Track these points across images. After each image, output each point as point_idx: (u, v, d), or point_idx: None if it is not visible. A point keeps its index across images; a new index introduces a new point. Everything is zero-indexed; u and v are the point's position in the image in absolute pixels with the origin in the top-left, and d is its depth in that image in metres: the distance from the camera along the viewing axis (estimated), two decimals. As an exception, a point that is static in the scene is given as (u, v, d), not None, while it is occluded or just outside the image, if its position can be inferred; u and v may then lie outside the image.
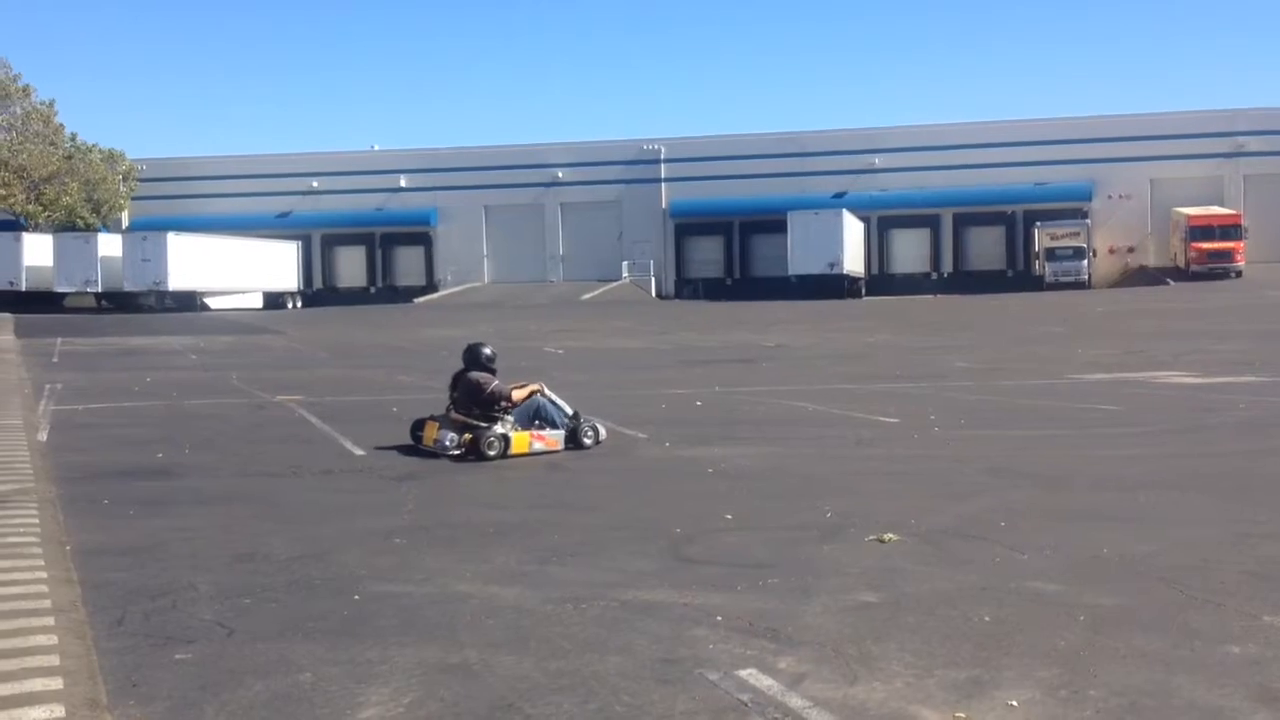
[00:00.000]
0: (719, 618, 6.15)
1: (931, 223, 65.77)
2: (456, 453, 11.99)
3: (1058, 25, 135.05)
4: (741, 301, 55.00)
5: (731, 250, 67.98)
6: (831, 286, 55.31)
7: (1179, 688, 5.04)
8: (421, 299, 63.31)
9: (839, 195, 64.06)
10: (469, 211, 68.96)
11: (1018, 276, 62.59)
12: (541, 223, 69.20)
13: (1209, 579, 6.81)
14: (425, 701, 4.97)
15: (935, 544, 7.89)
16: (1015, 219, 64.58)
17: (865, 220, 63.09)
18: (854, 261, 59.45)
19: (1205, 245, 55.94)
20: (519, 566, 7.38)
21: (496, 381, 12.62)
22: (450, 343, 33.44)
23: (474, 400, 12.42)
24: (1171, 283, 55.30)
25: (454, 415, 12.43)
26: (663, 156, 67.86)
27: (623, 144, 68.95)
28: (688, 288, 65.96)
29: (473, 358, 12.79)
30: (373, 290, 69.55)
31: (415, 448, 12.38)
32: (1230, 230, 56.16)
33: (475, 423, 12.22)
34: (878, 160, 65.16)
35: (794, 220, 57.44)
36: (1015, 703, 4.87)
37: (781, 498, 9.81)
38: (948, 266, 65.81)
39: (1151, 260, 62.26)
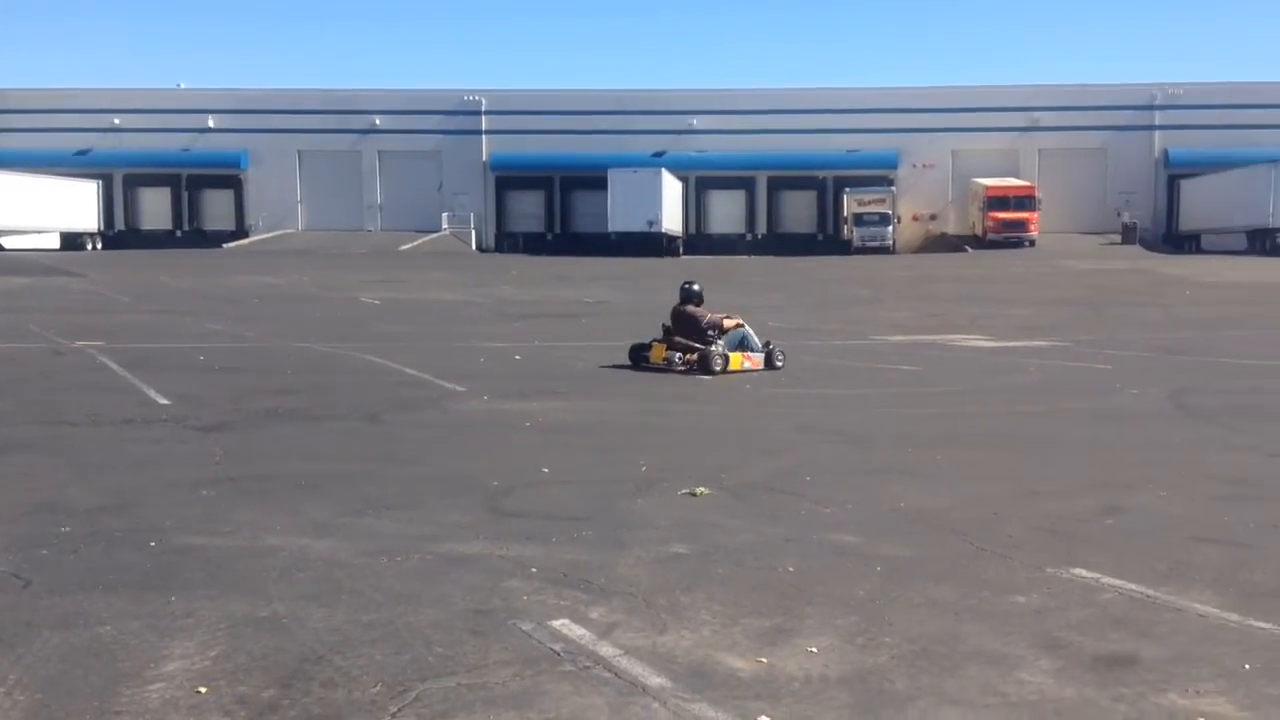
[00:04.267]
0: (533, 569, 6.22)
1: (747, 185, 66.88)
2: (683, 369, 15.02)
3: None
4: (562, 257, 54.96)
5: (553, 205, 67.77)
6: (651, 244, 55.80)
7: (968, 635, 5.33)
8: (231, 244, 61.12)
9: (658, 154, 64.51)
10: (282, 156, 66.77)
11: (827, 240, 64.30)
12: (359, 170, 67.59)
13: (998, 532, 7.20)
14: (232, 655, 4.90)
15: (745, 498, 8.13)
16: (826, 184, 66.23)
17: (684, 180, 63.77)
18: (672, 220, 60.09)
19: (1001, 215, 58.43)
20: (332, 519, 7.29)
21: (710, 314, 15.51)
22: (261, 289, 32.52)
23: (691, 328, 15.34)
24: (970, 250, 57.58)
25: (677, 340, 15.29)
26: (484, 109, 67.02)
27: (443, 93, 67.77)
28: (508, 241, 65.52)
29: (686, 295, 15.71)
30: (179, 234, 66.80)
31: (233, 406, 12.06)
32: (1025, 201, 58.77)
33: (694, 344, 15.10)
34: (696, 121, 65.81)
35: (614, 178, 57.67)
36: (815, 649, 5.09)
37: (598, 452, 9.93)
38: (762, 228, 67.11)
39: (952, 228, 64.71)
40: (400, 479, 8.63)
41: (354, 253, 53.33)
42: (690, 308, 15.55)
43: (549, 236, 66.29)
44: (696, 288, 15.82)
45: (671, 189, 60.21)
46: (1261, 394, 13.64)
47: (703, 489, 8.23)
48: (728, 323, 15.64)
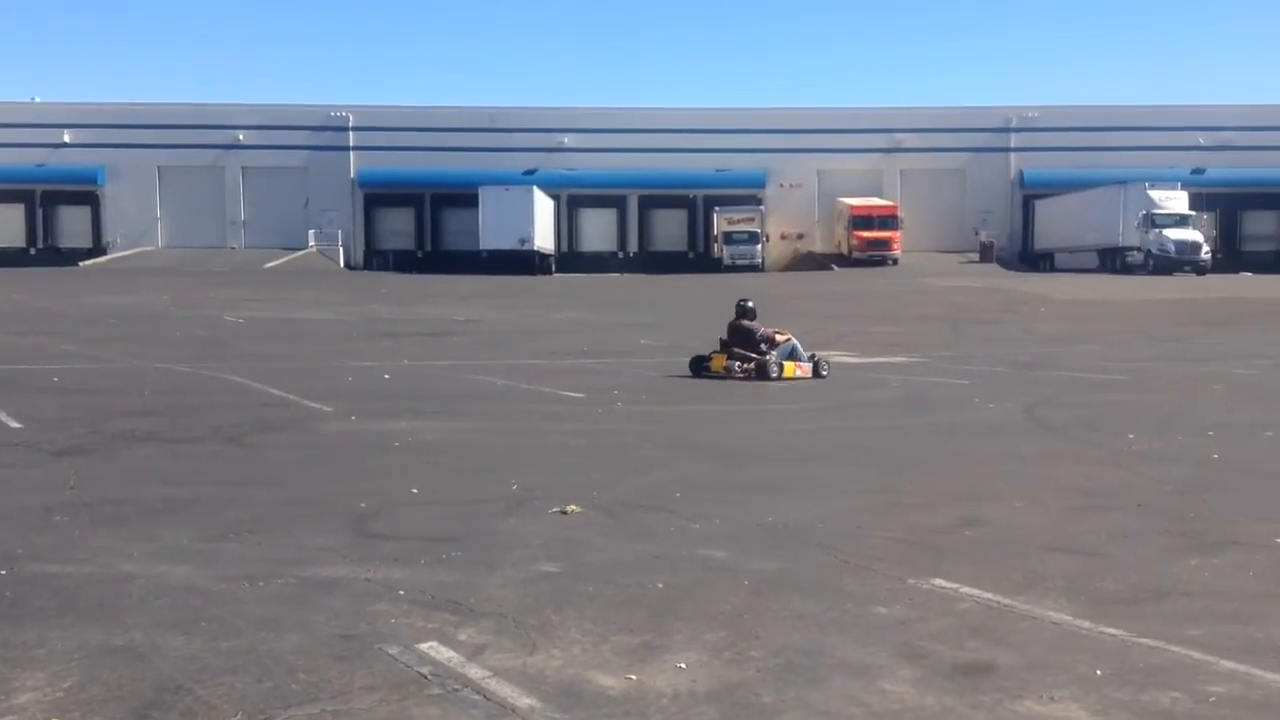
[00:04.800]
0: (401, 592, 6.15)
1: (619, 203, 67.26)
2: (742, 376, 16.49)
3: (736, 19, 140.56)
4: (432, 275, 54.50)
5: (423, 222, 67.17)
6: (522, 262, 55.71)
7: (832, 647, 5.43)
8: (88, 262, 59.24)
9: (530, 172, 64.49)
10: (141, 171, 64.95)
11: (699, 258, 65.01)
12: (221, 186, 66.12)
13: (861, 545, 7.34)
14: (87, 685, 4.73)
15: (615, 515, 8.15)
16: (697, 203, 67.05)
17: (556, 198, 63.84)
18: (544, 238, 60.08)
19: (866, 234, 59.82)
20: (191, 544, 7.10)
21: (764, 328, 17.19)
22: (120, 309, 31.54)
23: (747, 341, 16.96)
24: (836, 268, 58.80)
25: (735, 351, 16.88)
26: (351, 124, 66.18)
27: (309, 109, 66.76)
28: (377, 259, 64.71)
29: (742, 311, 17.32)
30: (33, 252, 64.44)
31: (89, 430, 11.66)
32: (888, 220, 60.29)
33: (751, 355, 16.75)
34: (567, 140, 65.99)
35: (485, 195, 57.48)
36: (684, 664, 5.13)
37: (468, 471, 9.87)
38: (634, 246, 67.54)
39: (818, 246, 66.00)
40: (263, 502, 8.45)
41: (216, 270, 52.10)
42: (745, 322, 17.17)
43: (419, 254, 65.68)
44: (750, 304, 17.44)
45: (543, 207, 60.22)
46: (1110, 407, 14.18)
47: (573, 507, 8.23)
48: (779, 336, 17.26)
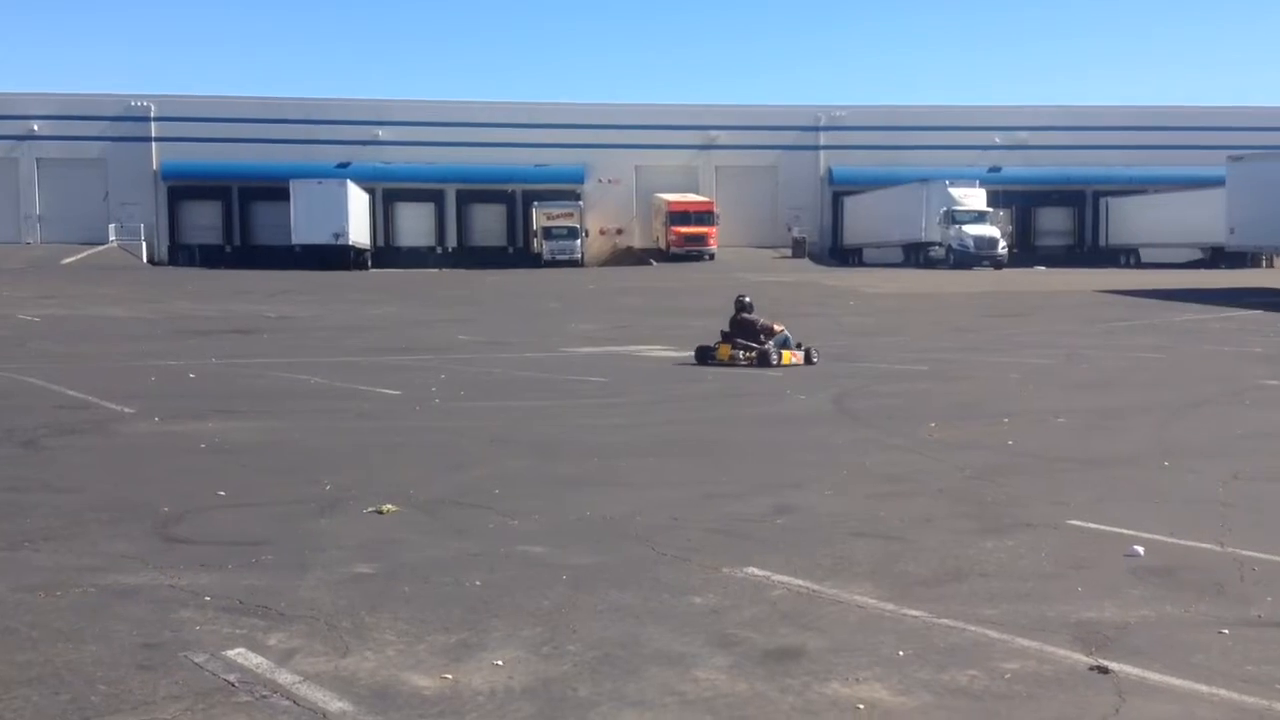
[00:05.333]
0: (207, 598, 5.97)
1: (436, 198, 66.48)
2: (745, 364, 17.99)
3: (558, 14, 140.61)
4: (242, 270, 52.89)
5: (231, 216, 65.05)
6: (337, 257, 54.56)
7: (649, 638, 5.50)
8: None
9: (344, 165, 63.18)
10: (-74, 163, 61.24)
11: (518, 253, 64.80)
12: (15, 178, 62.77)
13: (678, 536, 7.46)
14: None
15: (433, 513, 8.08)
16: (516, 198, 66.77)
17: (371, 192, 62.71)
18: (359, 233, 58.95)
19: (683, 229, 60.61)
20: (-19, 555, 6.75)
21: (763, 320, 18.80)
22: (-101, 308, 29.62)
23: (748, 332, 18.52)
24: (654, 263, 59.41)
25: (738, 341, 18.43)
26: (153, 114, 63.63)
27: (107, 98, 63.96)
28: (183, 254, 62.40)
29: (742, 306, 18.87)
30: None
31: None
32: (704, 216, 61.22)
33: (753, 344, 18.23)
34: (382, 132, 64.92)
35: (297, 189, 56.03)
36: (500, 662, 5.12)
37: (280, 472, 9.64)
38: (452, 241, 66.86)
39: (637, 241, 66.56)
40: (60, 508, 8.08)
41: (10, 266, 49.48)
42: (746, 315, 18.78)
43: (228, 249, 63.63)
44: (749, 300, 19.15)
45: (358, 201, 59.07)
46: (914, 396, 14.70)
47: (389, 506, 8.12)
48: (776, 327, 18.81)
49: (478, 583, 6.35)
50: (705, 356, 18.65)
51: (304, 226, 55.50)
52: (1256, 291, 36.72)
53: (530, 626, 5.61)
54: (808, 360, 18.34)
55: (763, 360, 18.06)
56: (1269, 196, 39.05)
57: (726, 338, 18.78)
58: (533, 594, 6.14)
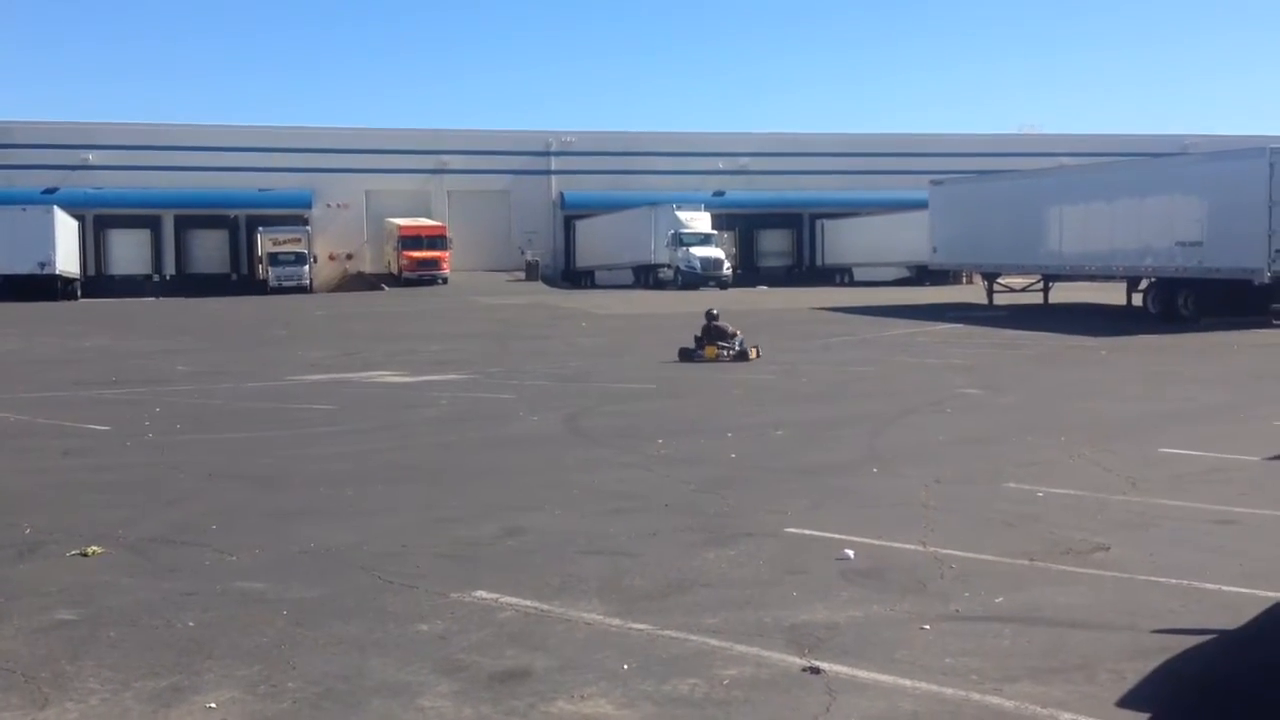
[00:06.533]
0: (-116, 658, 5.48)
1: (152, 224, 63.52)
2: (729, 359, 21.61)
3: (281, 35, 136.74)
4: (-68, 302, 48.94)
5: (-79, 245, 60.07)
6: (44, 287, 51.31)
7: (372, 669, 5.39)
8: None
9: (50, 191, 59.48)
10: None
11: (242, 280, 62.60)
12: None
13: (405, 564, 7.35)
14: None
15: (143, 553, 7.69)
16: (239, 223, 64.58)
17: (80, 219, 59.25)
18: (68, 261, 55.54)
19: (415, 254, 59.93)
20: None
21: (730, 326, 22.58)
22: None
23: (721, 336, 22.14)
24: (386, 288, 58.46)
25: (715, 343, 21.95)
26: None
27: None
28: None
29: (712, 316, 22.44)
30: None
31: None
32: (437, 240, 60.72)
33: (730, 345, 22.03)
34: (91, 157, 61.56)
35: (-3, 216, 52.37)
36: (214, 704, 4.92)
37: (-30, 518, 8.94)
38: (170, 269, 64.00)
39: (368, 266, 65.40)
40: None
41: None
42: (716, 323, 22.48)
43: (-82, 280, 58.69)
44: (717, 311, 22.89)
45: (66, 228, 55.68)
46: (643, 415, 15.01)
47: (95, 548, 7.68)
48: (739, 332, 22.63)
49: (190, 623, 6.07)
50: (690, 356, 22.05)
51: (6, 256, 51.89)
52: (957, 306, 39.29)
53: (247, 665, 5.40)
54: (757, 354, 22.49)
55: (741, 356, 21.98)
56: (966, 218, 41.90)
57: (704, 341, 22.36)
58: (250, 631, 5.92)
